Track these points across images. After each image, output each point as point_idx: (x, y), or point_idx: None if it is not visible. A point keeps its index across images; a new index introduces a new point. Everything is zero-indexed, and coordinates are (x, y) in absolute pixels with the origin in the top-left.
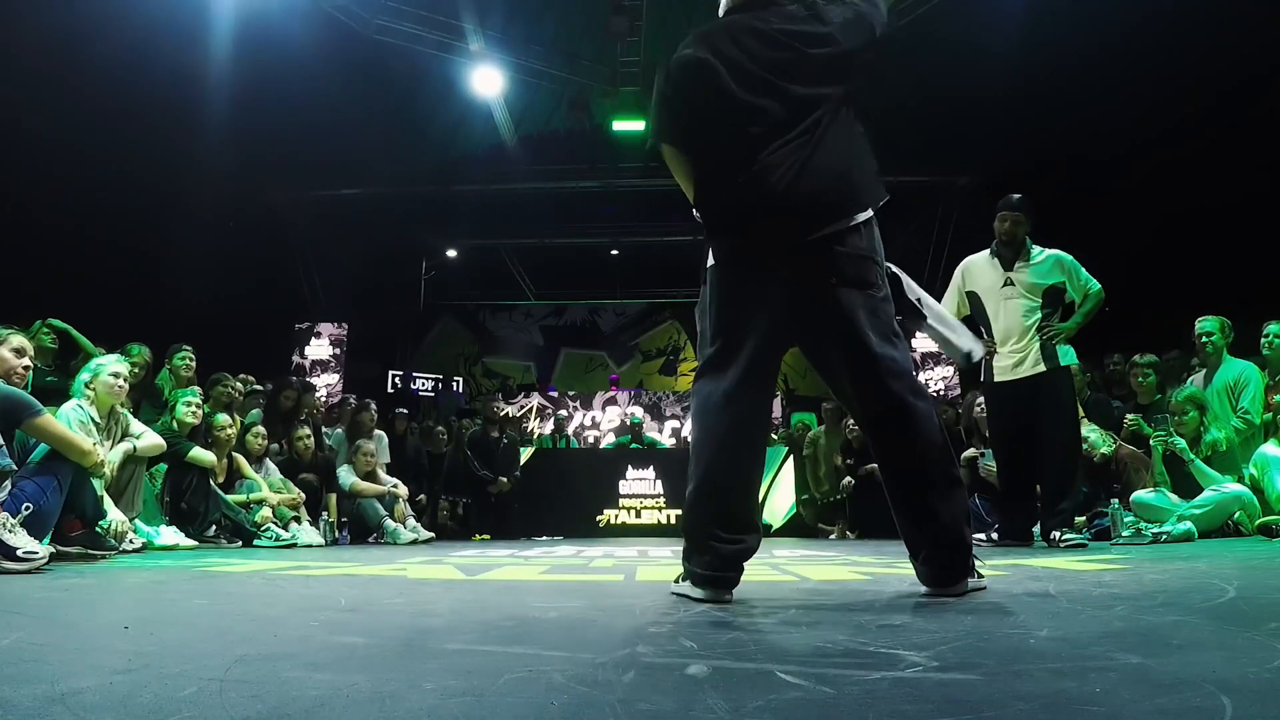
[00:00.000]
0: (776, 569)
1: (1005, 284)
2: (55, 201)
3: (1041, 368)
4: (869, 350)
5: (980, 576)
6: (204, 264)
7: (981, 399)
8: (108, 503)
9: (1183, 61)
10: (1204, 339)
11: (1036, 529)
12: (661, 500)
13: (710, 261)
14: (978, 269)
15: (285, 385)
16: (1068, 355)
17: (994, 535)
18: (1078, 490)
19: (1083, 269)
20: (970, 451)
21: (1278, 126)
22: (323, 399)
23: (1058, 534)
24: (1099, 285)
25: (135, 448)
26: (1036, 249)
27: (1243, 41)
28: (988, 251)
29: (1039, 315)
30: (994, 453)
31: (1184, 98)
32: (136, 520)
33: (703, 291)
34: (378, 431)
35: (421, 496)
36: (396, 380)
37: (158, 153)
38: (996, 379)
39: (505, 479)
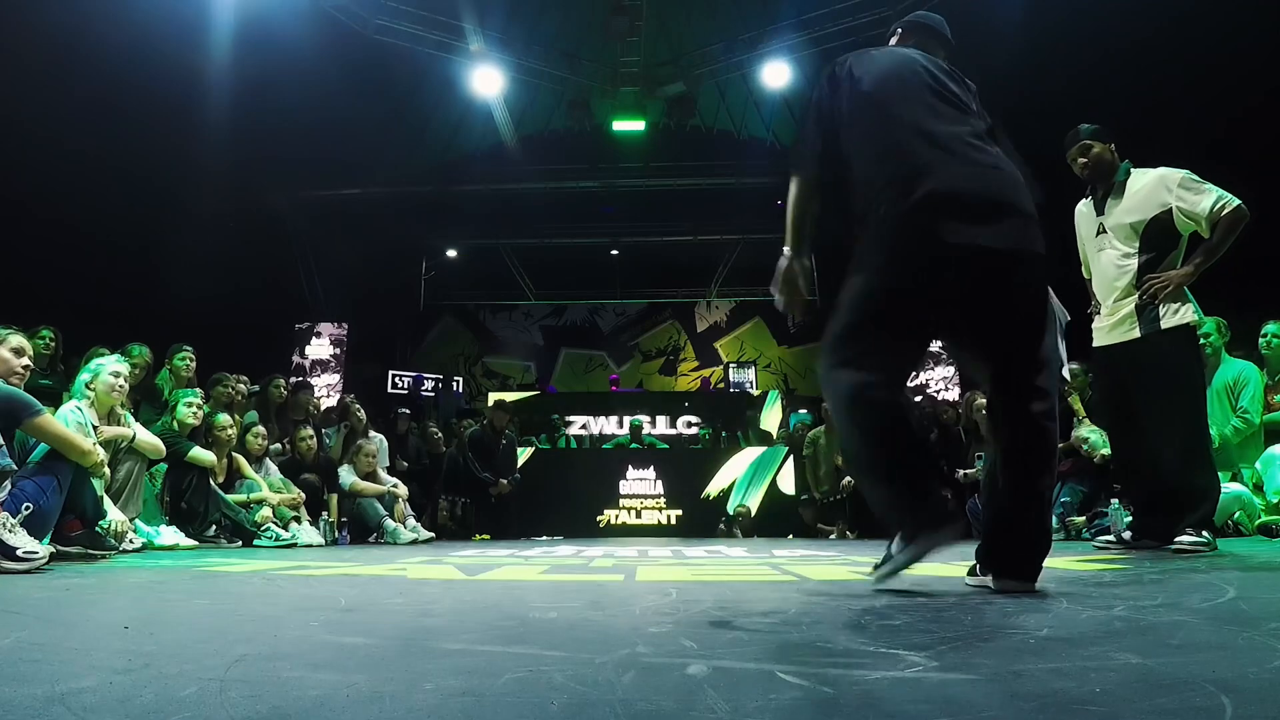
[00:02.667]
0: (776, 569)
1: (1099, 232)
2: (55, 201)
3: (1135, 333)
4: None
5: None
6: (204, 264)
7: (982, 399)
8: (108, 503)
9: (1183, 65)
10: (1202, 339)
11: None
12: (662, 500)
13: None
14: (1081, 219)
15: (275, 378)
16: (1180, 314)
17: (1125, 535)
18: (1203, 483)
19: (1204, 184)
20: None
21: (1273, 130)
22: (322, 398)
23: (1186, 538)
24: (1237, 202)
25: (135, 435)
26: (1135, 174)
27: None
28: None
29: (1133, 265)
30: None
31: (1184, 100)
32: (136, 520)
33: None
34: (379, 436)
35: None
36: (397, 380)
37: (157, 153)
38: (1095, 343)
39: (505, 481)
